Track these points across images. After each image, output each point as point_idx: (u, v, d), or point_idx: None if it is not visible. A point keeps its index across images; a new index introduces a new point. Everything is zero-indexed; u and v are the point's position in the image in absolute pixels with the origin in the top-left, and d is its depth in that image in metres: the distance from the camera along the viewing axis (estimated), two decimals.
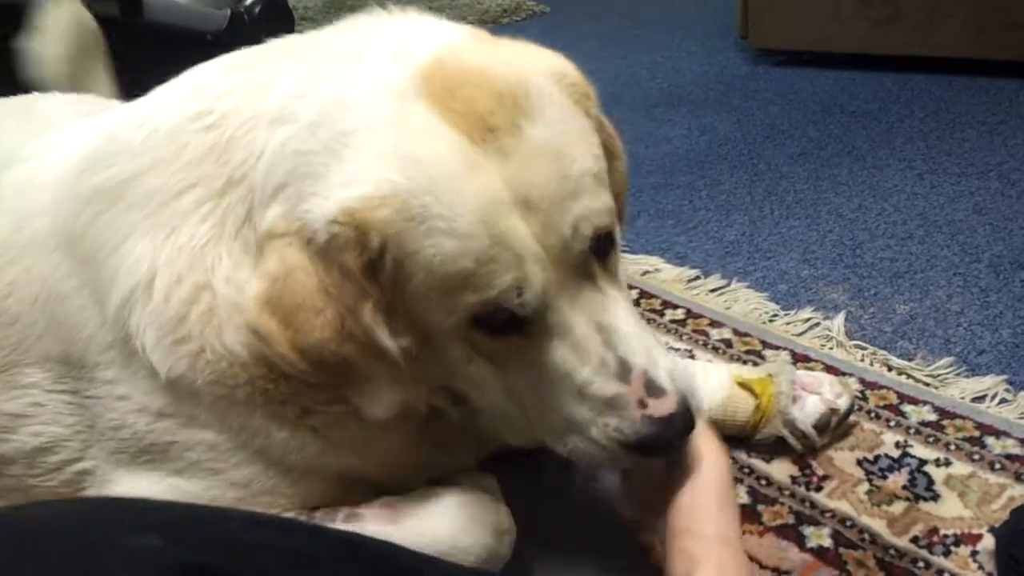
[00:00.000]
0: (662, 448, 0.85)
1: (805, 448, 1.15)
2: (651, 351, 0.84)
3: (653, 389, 0.82)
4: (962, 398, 1.24)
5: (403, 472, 0.96)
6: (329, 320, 0.78)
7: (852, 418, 1.19)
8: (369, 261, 0.77)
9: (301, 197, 0.79)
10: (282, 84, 0.85)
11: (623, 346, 0.82)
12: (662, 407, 0.83)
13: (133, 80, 0.97)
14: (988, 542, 1.01)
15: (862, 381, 1.29)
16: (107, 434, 0.92)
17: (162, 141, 0.88)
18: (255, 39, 0.93)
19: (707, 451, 0.89)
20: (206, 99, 0.88)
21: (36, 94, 1.14)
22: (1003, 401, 1.23)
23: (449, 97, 0.79)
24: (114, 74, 1.41)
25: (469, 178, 0.76)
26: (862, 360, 1.34)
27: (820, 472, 1.14)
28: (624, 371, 0.82)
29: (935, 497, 1.09)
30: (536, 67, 0.84)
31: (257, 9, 2.23)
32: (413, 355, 0.82)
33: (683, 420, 0.84)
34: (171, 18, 1.92)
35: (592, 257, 0.83)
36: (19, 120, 1.08)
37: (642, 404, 0.82)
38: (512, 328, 0.81)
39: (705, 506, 0.86)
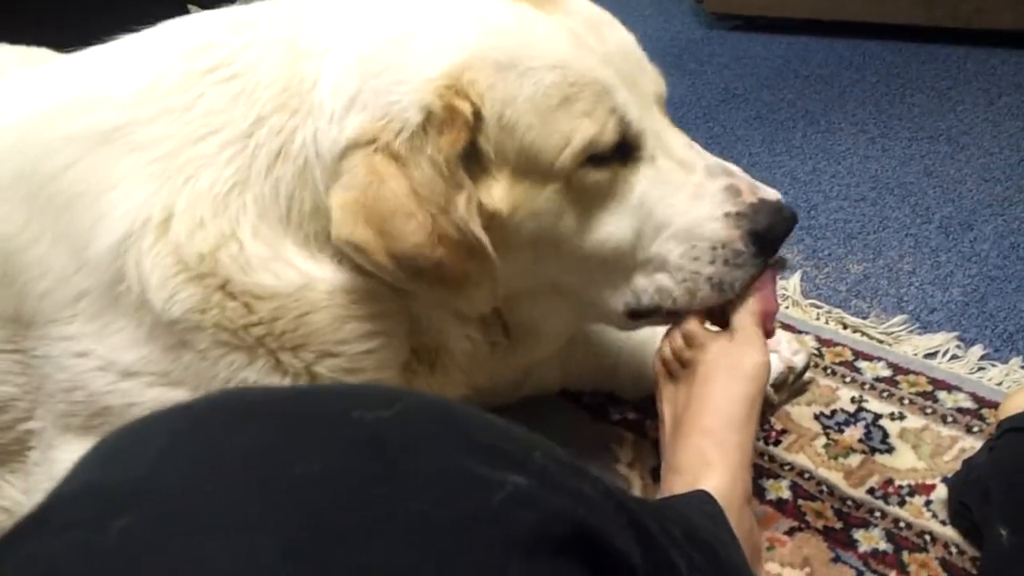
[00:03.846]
0: (784, 234, 0.90)
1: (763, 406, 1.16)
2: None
3: (755, 182, 0.92)
4: (915, 354, 1.27)
5: None
6: (421, 223, 0.78)
7: (809, 375, 1.21)
8: (463, 143, 0.79)
9: (379, 93, 0.80)
10: (316, 24, 0.86)
11: (714, 158, 0.92)
12: (770, 193, 0.91)
13: (91, 33, 0.94)
14: (941, 492, 1.04)
15: (818, 339, 1.31)
16: (57, 396, 0.89)
17: (166, 92, 0.85)
18: None
19: (751, 363, 0.90)
20: (220, 54, 0.86)
21: None
22: (954, 357, 1.25)
23: None
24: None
25: (545, 25, 0.85)
26: (818, 319, 1.36)
27: (778, 427, 1.16)
28: (727, 171, 0.91)
29: (890, 450, 1.11)
30: None
31: None
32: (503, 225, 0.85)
33: (789, 208, 0.91)
34: None
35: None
36: None
37: (753, 193, 0.90)
38: (617, 157, 0.87)
39: (734, 413, 0.87)
